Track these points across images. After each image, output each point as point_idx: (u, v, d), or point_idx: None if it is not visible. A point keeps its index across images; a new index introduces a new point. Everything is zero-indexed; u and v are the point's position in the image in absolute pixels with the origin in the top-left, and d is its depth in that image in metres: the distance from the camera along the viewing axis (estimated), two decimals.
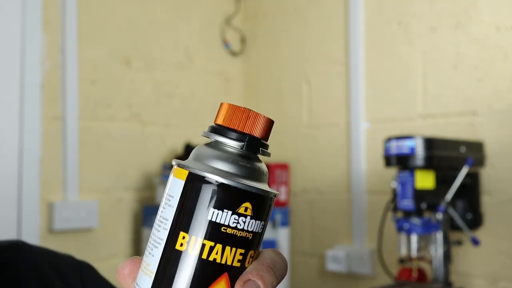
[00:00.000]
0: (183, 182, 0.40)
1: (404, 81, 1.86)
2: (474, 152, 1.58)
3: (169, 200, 0.41)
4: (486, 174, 1.64)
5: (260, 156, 0.43)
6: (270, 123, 0.43)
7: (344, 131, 2.00)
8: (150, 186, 2.02)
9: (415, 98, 1.82)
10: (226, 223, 0.39)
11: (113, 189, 1.94)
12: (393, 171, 1.60)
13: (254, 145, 0.42)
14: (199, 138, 2.15)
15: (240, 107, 0.42)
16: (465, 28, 1.72)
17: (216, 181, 0.39)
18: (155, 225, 0.42)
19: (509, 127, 1.62)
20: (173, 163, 0.42)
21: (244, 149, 0.41)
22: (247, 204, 0.40)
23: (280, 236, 2.01)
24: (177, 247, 0.39)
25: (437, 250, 1.50)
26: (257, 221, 0.40)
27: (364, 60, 1.96)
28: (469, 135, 1.67)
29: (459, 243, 1.59)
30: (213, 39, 2.29)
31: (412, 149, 1.45)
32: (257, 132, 0.42)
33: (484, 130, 1.65)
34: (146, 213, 1.95)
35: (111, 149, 1.93)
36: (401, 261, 1.52)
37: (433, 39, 1.79)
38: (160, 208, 0.42)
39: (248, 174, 0.41)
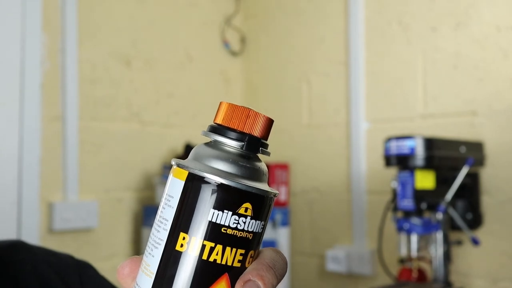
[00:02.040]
0: (183, 182, 0.40)
1: (404, 81, 1.85)
2: (474, 152, 1.58)
3: (169, 201, 0.41)
4: (486, 174, 1.64)
5: (260, 155, 0.43)
6: (270, 122, 0.42)
7: (344, 131, 2.00)
8: (150, 186, 2.02)
9: (415, 98, 1.82)
10: (227, 224, 0.39)
11: (113, 189, 1.94)
12: (393, 171, 1.60)
13: (254, 145, 0.41)
14: (199, 138, 2.15)
15: (239, 106, 0.41)
16: (465, 28, 1.72)
17: (216, 182, 0.39)
18: (154, 225, 0.41)
19: (509, 127, 1.62)
20: (173, 162, 0.42)
21: (244, 149, 0.41)
22: (247, 205, 0.39)
23: (280, 236, 2.01)
24: (177, 247, 0.39)
25: (437, 250, 1.50)
26: (257, 221, 0.40)
27: (364, 60, 1.96)
28: (469, 135, 1.67)
29: (459, 243, 1.59)
30: (213, 39, 2.29)
31: (412, 149, 1.45)
32: (257, 131, 0.41)
33: (484, 130, 1.65)
34: (146, 213, 1.95)
35: (111, 149, 1.93)
36: (401, 261, 1.52)
37: (433, 39, 1.79)
38: (160, 208, 0.41)
39: (248, 174, 0.40)
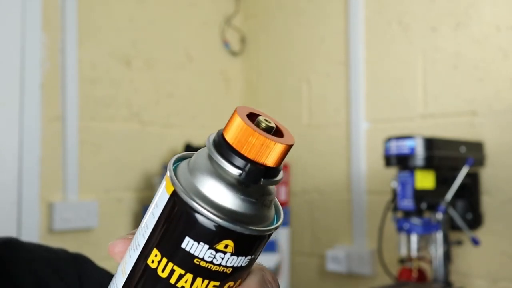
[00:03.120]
0: (168, 196, 0.36)
1: (404, 81, 1.85)
2: (474, 152, 1.58)
3: (154, 209, 0.37)
4: (486, 174, 1.64)
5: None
6: (285, 150, 0.35)
7: (344, 131, 2.00)
8: (150, 186, 2.02)
9: (415, 98, 1.82)
10: (200, 256, 0.35)
11: (113, 189, 1.94)
12: (393, 171, 1.60)
13: (255, 175, 0.35)
14: (198, 138, 2.15)
15: (251, 126, 0.35)
16: (465, 28, 1.72)
17: (196, 210, 0.34)
18: (141, 225, 0.38)
19: (509, 127, 1.62)
20: (168, 168, 0.37)
21: (242, 177, 0.35)
22: (228, 242, 0.34)
23: (280, 236, 2.01)
24: (149, 262, 0.36)
25: (437, 250, 1.50)
26: (240, 257, 0.35)
27: (364, 60, 1.96)
28: (469, 135, 1.66)
29: (459, 243, 1.59)
30: (213, 39, 2.29)
31: (412, 149, 1.44)
32: (264, 158, 0.35)
33: (484, 130, 1.65)
34: None
35: (111, 149, 1.93)
36: (401, 261, 1.52)
37: (433, 39, 1.79)
38: (148, 211, 0.38)
39: (239, 207, 0.35)
